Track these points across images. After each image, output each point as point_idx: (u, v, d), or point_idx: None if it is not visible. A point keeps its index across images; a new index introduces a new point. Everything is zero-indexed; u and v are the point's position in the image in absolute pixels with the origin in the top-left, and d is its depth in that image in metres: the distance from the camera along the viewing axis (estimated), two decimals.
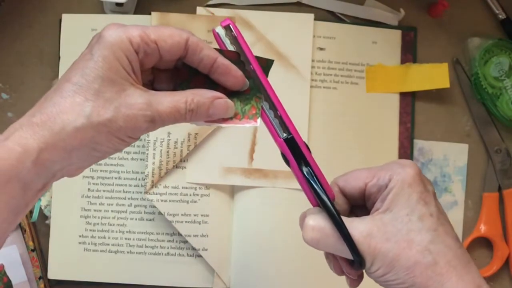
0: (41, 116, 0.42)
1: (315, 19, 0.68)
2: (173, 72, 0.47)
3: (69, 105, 0.42)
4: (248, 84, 0.47)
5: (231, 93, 0.47)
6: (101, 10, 0.68)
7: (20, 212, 0.42)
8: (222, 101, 0.46)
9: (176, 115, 0.44)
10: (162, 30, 0.45)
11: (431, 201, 0.45)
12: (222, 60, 0.46)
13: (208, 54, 0.45)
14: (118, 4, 0.66)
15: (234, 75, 0.46)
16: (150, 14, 0.66)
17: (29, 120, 0.42)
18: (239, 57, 0.46)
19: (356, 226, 0.44)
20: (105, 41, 0.43)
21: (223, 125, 0.48)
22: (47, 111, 0.42)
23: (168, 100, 0.44)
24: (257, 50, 0.66)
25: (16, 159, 0.41)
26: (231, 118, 0.47)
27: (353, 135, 0.67)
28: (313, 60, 0.68)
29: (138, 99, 0.43)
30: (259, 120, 0.47)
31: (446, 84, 0.68)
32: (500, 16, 0.70)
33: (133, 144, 0.64)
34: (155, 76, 0.47)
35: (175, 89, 0.47)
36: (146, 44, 0.44)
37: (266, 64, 0.47)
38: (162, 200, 0.64)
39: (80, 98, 0.42)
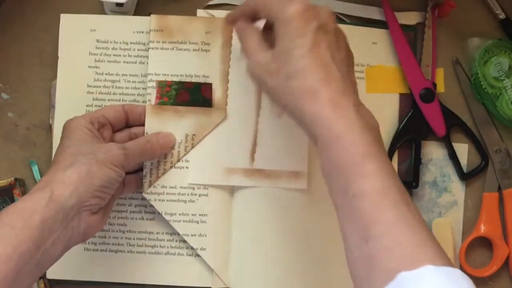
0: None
1: None
2: None
3: None
4: None
5: None
6: (101, 10, 0.68)
7: (41, 245, 0.51)
8: (164, 132, 0.64)
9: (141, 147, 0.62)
10: (107, 108, 0.64)
11: (307, 33, 0.49)
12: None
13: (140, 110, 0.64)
14: (118, 4, 0.66)
15: None
16: (149, 15, 0.66)
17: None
18: None
19: (256, 54, 0.53)
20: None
21: None
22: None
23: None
24: None
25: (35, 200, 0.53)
26: None
27: None
28: None
29: (111, 145, 0.59)
30: None
31: (441, 89, 0.69)
32: (500, 16, 0.70)
33: None
34: None
35: None
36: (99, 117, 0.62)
37: None
38: (159, 200, 0.64)
39: None
